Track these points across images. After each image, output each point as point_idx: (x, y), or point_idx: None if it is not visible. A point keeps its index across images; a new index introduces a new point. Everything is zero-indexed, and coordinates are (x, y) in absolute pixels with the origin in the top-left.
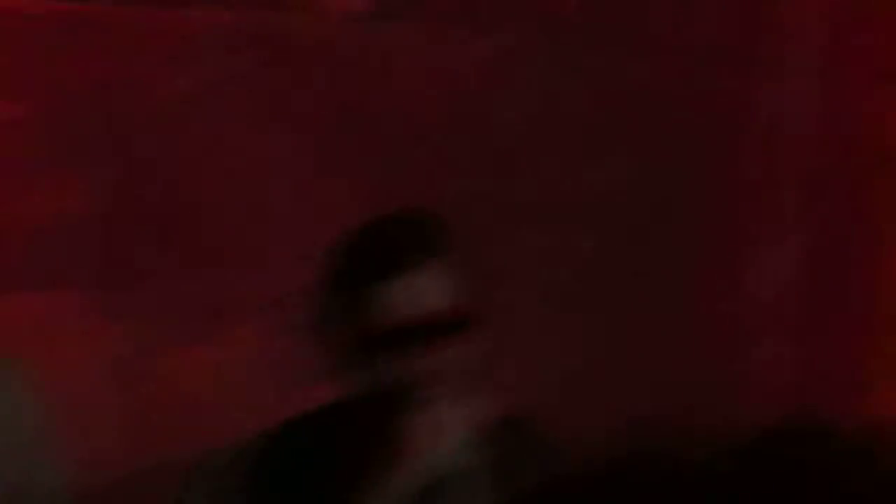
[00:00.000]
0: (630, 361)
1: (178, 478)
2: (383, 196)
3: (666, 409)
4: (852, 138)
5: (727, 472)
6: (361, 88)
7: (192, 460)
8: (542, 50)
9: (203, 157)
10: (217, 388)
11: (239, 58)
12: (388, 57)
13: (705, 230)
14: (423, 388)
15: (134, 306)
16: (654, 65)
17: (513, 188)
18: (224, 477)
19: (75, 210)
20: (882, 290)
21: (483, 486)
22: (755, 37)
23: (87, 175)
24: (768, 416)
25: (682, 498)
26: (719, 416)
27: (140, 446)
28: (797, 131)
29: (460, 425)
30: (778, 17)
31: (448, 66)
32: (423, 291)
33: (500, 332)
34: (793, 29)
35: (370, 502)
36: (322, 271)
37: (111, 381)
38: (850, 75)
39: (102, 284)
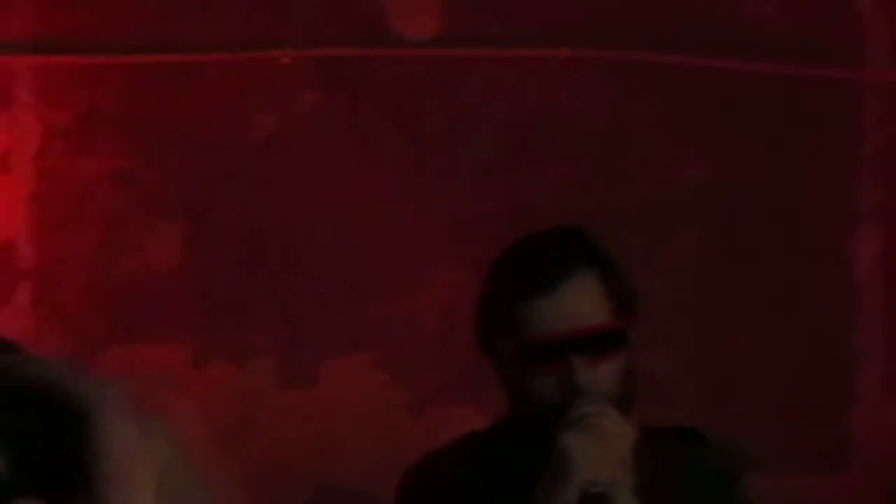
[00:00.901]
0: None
1: None
2: (478, 223)
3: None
4: None
5: None
6: (440, 114)
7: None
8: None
9: (294, 197)
10: (327, 428)
11: (322, 94)
12: (460, 81)
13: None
14: (581, 404)
15: (237, 352)
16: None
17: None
18: None
19: (170, 259)
20: None
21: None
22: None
23: (180, 223)
24: None
25: None
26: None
27: (260, 497)
28: None
29: (620, 440)
30: None
31: (523, 83)
32: (575, 305)
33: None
34: None
35: None
36: (480, 292)
37: (222, 428)
38: None
39: (203, 332)
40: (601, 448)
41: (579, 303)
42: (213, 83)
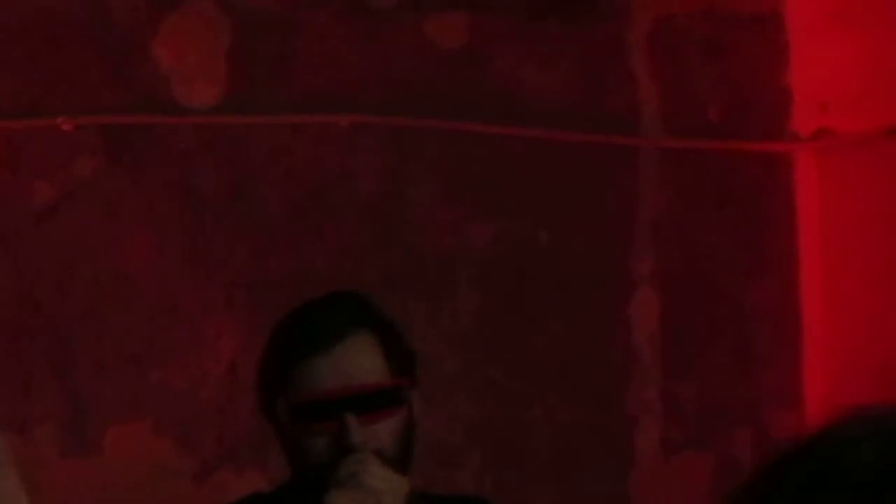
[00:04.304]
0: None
1: None
2: (259, 289)
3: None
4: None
5: None
6: (221, 181)
7: None
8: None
9: (73, 264)
10: (112, 496)
11: (103, 161)
12: (241, 148)
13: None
14: (348, 462)
15: (18, 421)
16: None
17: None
18: None
19: None
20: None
21: None
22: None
23: None
24: None
25: None
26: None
27: None
28: None
29: (386, 496)
30: None
31: (304, 149)
32: (349, 364)
33: None
34: None
35: None
36: (259, 356)
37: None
38: None
39: None
40: None
41: (353, 361)
42: None
